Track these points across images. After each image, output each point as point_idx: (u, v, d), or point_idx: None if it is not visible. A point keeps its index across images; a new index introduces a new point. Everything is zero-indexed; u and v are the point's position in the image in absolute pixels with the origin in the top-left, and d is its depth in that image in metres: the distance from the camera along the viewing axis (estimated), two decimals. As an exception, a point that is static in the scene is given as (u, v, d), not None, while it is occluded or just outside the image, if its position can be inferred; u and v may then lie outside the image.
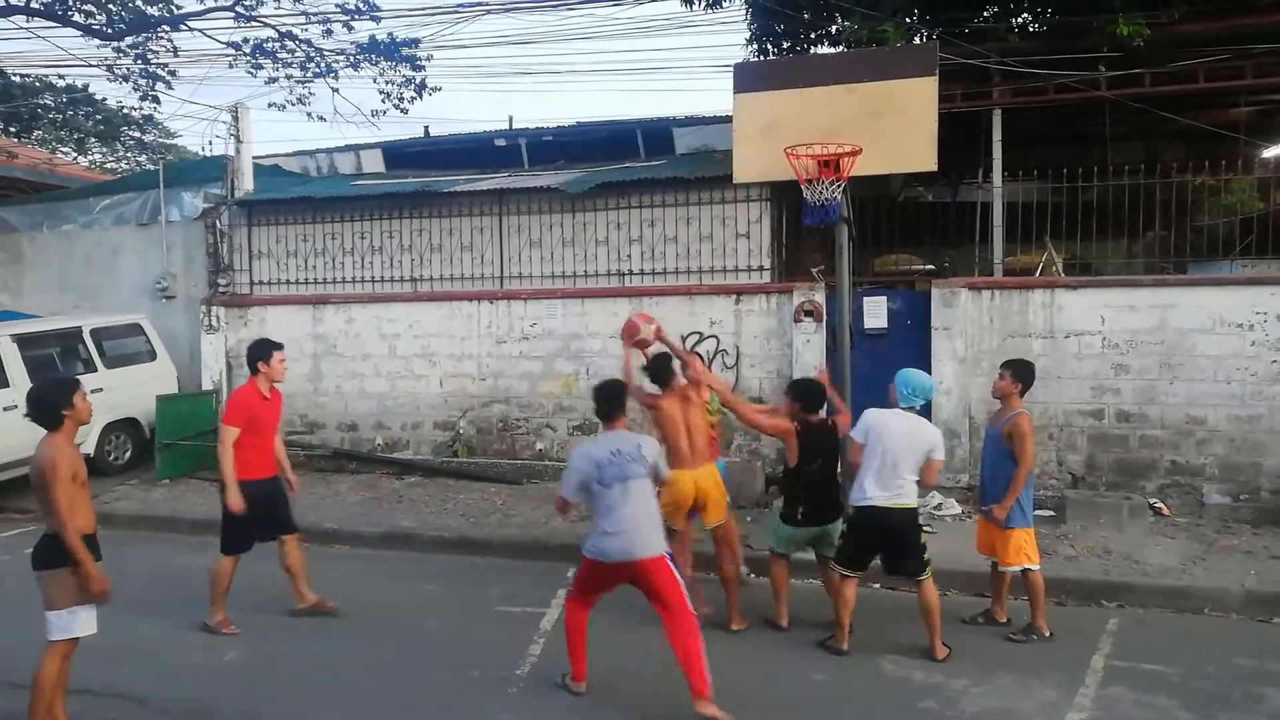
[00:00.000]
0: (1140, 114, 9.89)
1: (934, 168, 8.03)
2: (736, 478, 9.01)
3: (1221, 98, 10.51)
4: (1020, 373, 5.86)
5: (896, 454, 5.35)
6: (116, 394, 10.46)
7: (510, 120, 15.95)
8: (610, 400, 5.09)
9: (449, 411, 10.84)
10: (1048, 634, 5.68)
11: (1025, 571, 5.75)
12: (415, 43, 13.38)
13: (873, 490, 5.38)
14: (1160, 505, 8.36)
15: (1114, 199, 9.29)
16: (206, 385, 11.57)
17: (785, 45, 11.84)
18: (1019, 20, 10.60)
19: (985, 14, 10.45)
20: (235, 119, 12.04)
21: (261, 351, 6.30)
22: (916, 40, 9.78)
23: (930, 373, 9.14)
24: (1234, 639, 5.82)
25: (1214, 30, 9.28)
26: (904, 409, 5.51)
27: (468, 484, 9.97)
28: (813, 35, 11.63)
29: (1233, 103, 10.94)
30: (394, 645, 5.81)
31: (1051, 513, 8.21)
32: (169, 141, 23.88)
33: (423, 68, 13.77)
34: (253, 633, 6.05)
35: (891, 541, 5.46)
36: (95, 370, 10.44)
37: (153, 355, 11.33)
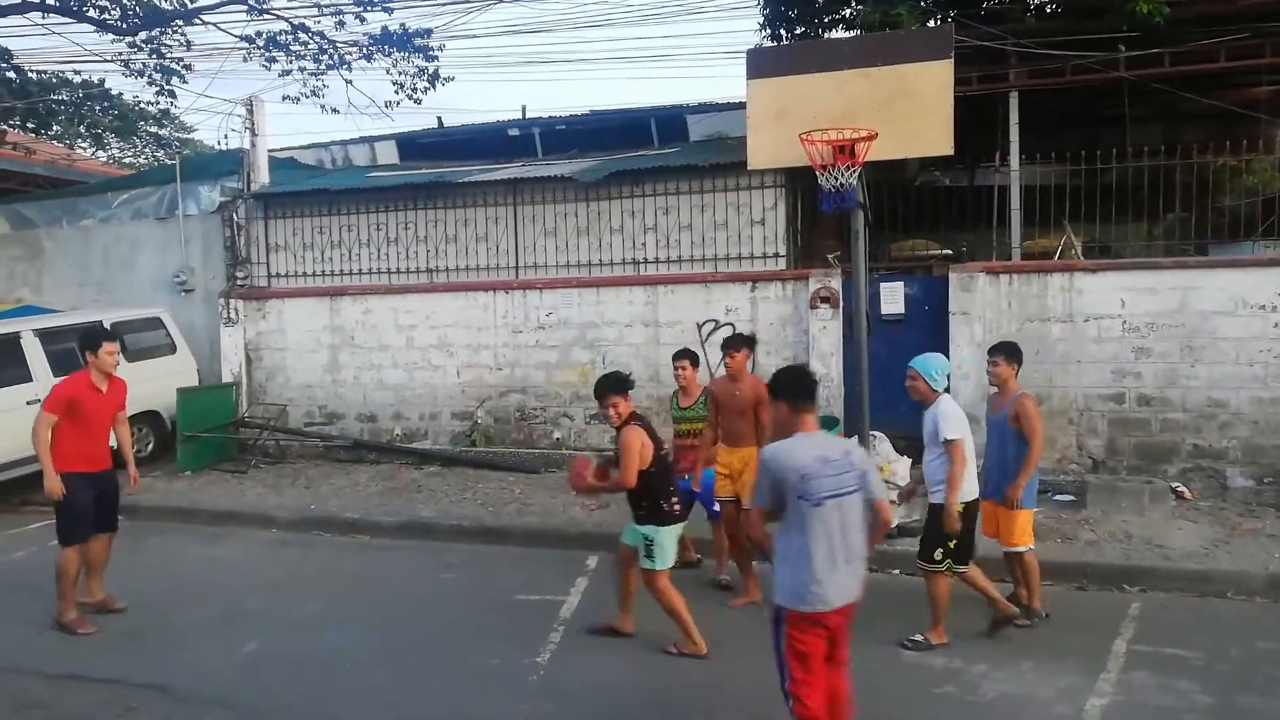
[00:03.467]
0: (1160, 94, 9.76)
1: (950, 151, 7.98)
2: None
3: (1242, 77, 10.36)
4: (1012, 354, 5.80)
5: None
6: (137, 387, 10.44)
7: (523, 110, 15.94)
8: (806, 384, 3.99)
9: (466, 401, 10.89)
10: (1045, 615, 5.67)
11: (1021, 553, 5.73)
12: (427, 33, 13.39)
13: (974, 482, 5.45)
14: (1182, 489, 8.30)
15: (1133, 181, 9.19)
16: (226, 378, 11.67)
17: (798, 30, 11.77)
18: (1035, 1, 10.48)
19: (1002, -5, 10.35)
20: (250, 112, 12.09)
21: (89, 341, 5.98)
22: (931, 23, 9.70)
23: (948, 358, 9.11)
24: (1257, 622, 5.79)
25: (1234, 9, 9.13)
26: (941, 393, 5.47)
27: (486, 473, 10.02)
28: (826, 20, 11.56)
29: (1254, 81, 10.78)
30: (414, 635, 5.85)
31: (1072, 497, 8.17)
32: (185, 136, 24.03)
33: (435, 58, 13.79)
34: (274, 623, 6.11)
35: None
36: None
37: (173, 348, 11.42)
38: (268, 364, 11.74)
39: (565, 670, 5.23)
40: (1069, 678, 4.95)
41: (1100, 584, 6.45)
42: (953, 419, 5.30)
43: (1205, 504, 8.08)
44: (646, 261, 10.48)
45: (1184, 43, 9.10)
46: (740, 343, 6.47)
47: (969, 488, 5.34)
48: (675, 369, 6.59)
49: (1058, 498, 8.18)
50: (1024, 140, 9.70)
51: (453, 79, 14.21)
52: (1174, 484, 8.33)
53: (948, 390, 5.55)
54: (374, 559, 7.65)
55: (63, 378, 6.14)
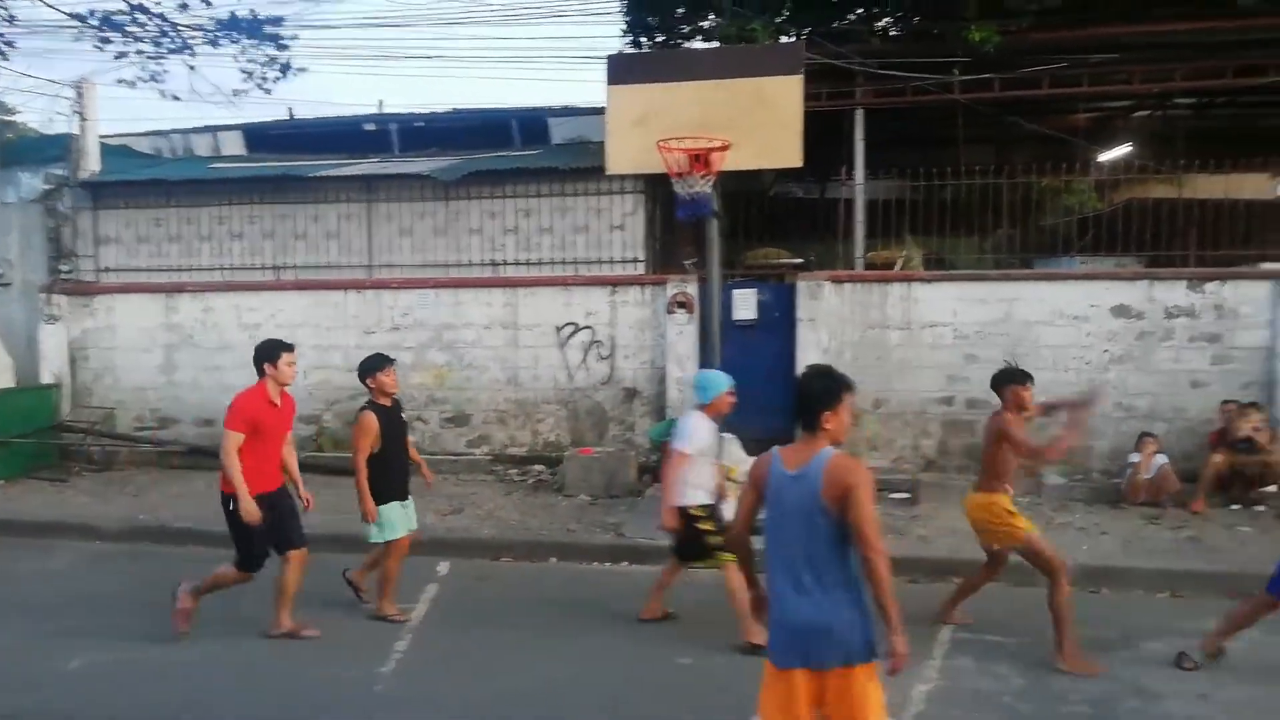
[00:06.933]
0: (991, 118, 10.44)
1: (799, 164, 8.28)
2: (610, 467, 9.07)
3: (1063, 104, 11.22)
4: None
5: None
6: (-58, 388, 9.67)
7: (380, 105, 15.59)
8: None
9: (313, 405, 10.49)
10: None
11: None
12: (278, 20, 12.84)
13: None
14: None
15: (967, 198, 9.80)
16: (46, 379, 10.82)
17: (659, 38, 11.96)
18: (882, 24, 11.02)
19: (850, 16, 10.82)
20: (79, 95, 11.31)
21: (269, 352, 5.58)
22: (784, 39, 10.05)
23: (795, 362, 9.45)
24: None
25: (1057, 40, 9.91)
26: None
27: (333, 480, 9.63)
28: (686, 30, 11.79)
29: (1073, 109, 11.69)
30: (257, 646, 5.60)
31: (907, 495, 8.61)
32: (7, 118, 22.20)
33: (287, 47, 13.23)
34: (101, 638, 5.71)
35: None
36: (-83, 363, 9.62)
37: (-16, 346, 10.52)
38: (95, 364, 10.97)
39: (411, 679, 5.11)
40: (899, 666, 5.20)
41: (930, 576, 6.83)
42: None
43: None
44: (506, 264, 10.41)
45: (1013, 70, 9.78)
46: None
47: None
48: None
49: (893, 495, 8.61)
50: (870, 156, 10.18)
51: (305, 70, 13.71)
52: (1000, 482, 8.89)
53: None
54: (209, 571, 7.24)
55: (240, 393, 5.56)
